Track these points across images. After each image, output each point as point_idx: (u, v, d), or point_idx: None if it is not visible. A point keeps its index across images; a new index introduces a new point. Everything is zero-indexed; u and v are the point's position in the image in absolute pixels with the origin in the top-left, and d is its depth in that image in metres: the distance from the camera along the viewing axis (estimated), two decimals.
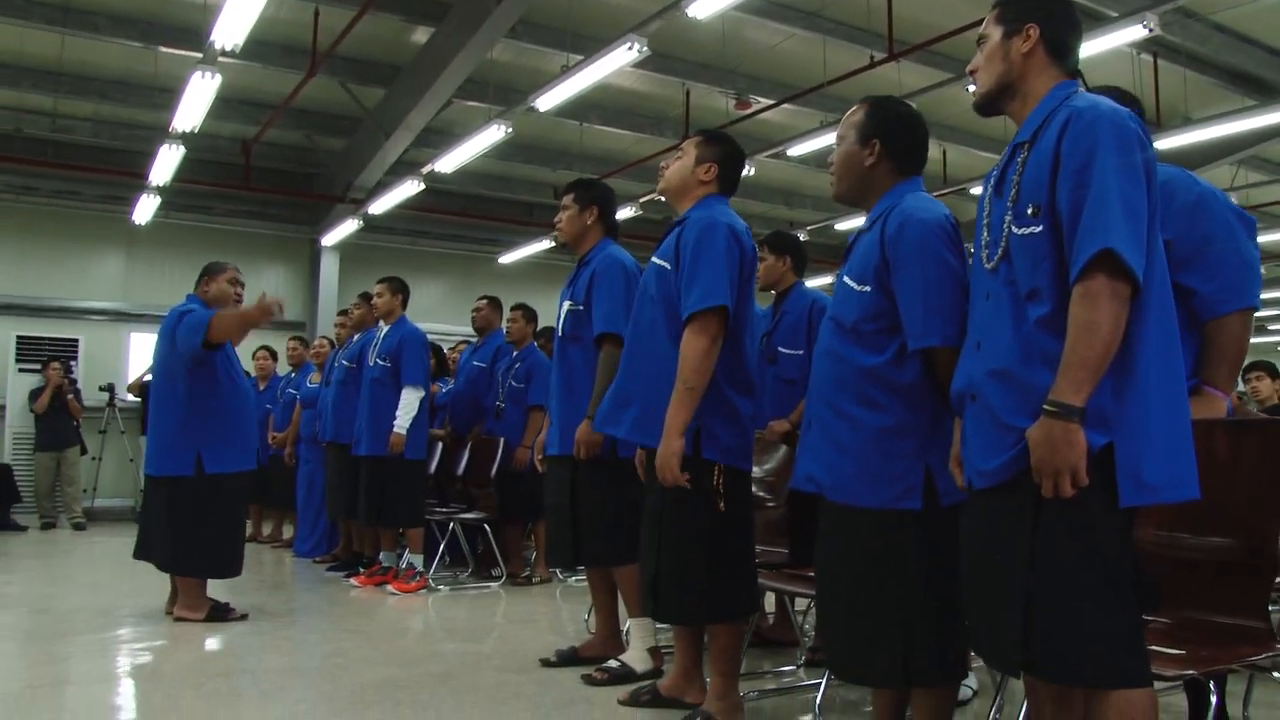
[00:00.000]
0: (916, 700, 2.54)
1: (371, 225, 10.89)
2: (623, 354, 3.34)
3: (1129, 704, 1.89)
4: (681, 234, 3.18)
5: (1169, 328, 1.99)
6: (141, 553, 4.96)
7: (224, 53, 6.16)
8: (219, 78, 6.30)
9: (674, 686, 3.38)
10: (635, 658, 3.80)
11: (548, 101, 7.05)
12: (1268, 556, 2.33)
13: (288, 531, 8.34)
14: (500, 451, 6.38)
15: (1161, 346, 1.96)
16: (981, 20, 2.26)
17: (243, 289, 5.09)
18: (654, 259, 3.27)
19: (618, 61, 6.11)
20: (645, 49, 5.81)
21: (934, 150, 11.06)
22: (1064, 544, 1.92)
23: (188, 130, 7.27)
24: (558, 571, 6.74)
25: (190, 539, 4.76)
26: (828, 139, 8.28)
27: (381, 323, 6.33)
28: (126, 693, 3.61)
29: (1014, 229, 2.04)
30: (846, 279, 2.58)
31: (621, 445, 3.70)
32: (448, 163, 8.64)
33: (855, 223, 13.12)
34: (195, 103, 6.75)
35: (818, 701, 3.19)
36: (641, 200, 10.58)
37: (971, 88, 2.33)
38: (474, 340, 7.33)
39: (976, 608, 2.13)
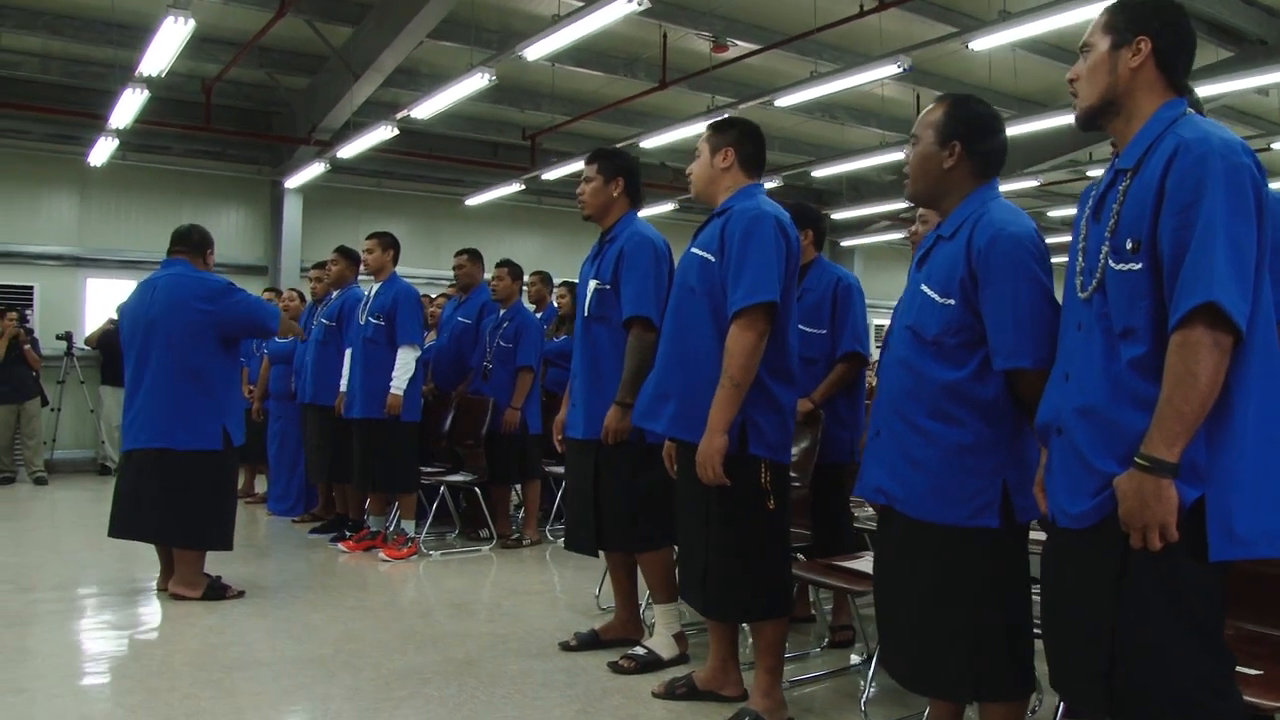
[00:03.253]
0: (985, 714, 2.52)
1: (335, 166, 10.55)
2: (661, 346, 3.24)
3: None
4: (726, 225, 3.06)
5: (1271, 372, 1.89)
6: (121, 530, 4.69)
7: None
8: (192, 22, 5.95)
9: (711, 679, 3.36)
10: (661, 644, 3.77)
11: (537, 51, 6.78)
12: None
13: (258, 485, 8.18)
14: (490, 413, 6.27)
15: (1262, 393, 1.87)
16: None
17: None
18: (694, 249, 3.16)
19: (617, 12, 5.85)
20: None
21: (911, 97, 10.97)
22: (1150, 592, 1.88)
23: (154, 74, 6.89)
24: (547, 532, 6.70)
25: (205, 513, 4.64)
26: (818, 90, 8.13)
27: (373, 279, 6.10)
28: (137, 689, 3.45)
29: (1111, 263, 1.96)
30: (926, 289, 2.48)
31: (649, 431, 3.63)
32: (426, 109, 8.32)
33: (833, 170, 12.94)
34: (165, 47, 6.38)
35: (864, 701, 3.18)
36: (618, 145, 10.33)
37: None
38: (444, 287, 7.12)
39: (1058, 646, 2.11)
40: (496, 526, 6.46)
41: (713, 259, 3.07)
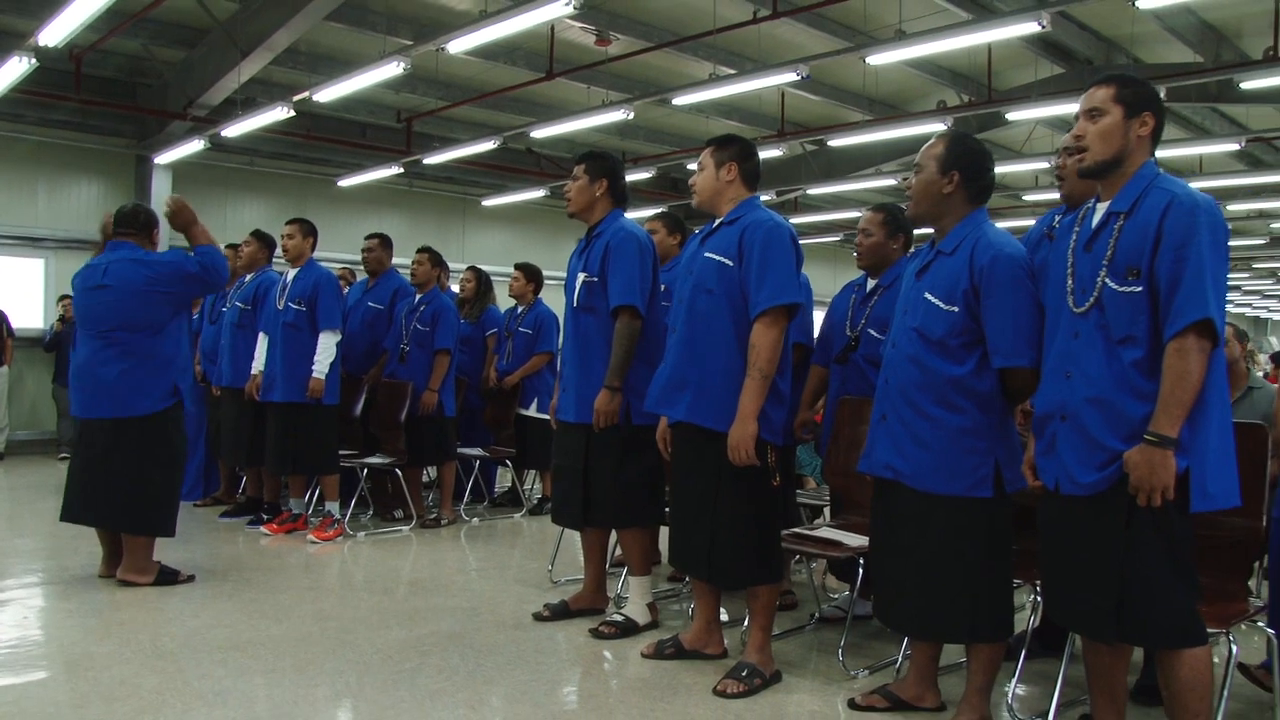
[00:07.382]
0: (975, 653, 3.00)
1: (214, 144, 10.25)
2: (675, 340, 3.55)
3: (1196, 659, 2.48)
4: (744, 234, 3.41)
5: (1223, 372, 2.50)
6: (74, 515, 4.71)
7: None
8: None
9: (696, 639, 3.73)
10: (636, 612, 4.11)
11: (459, 45, 6.88)
12: (1253, 535, 2.94)
13: None
14: (409, 396, 6.42)
15: (1219, 387, 2.47)
16: None
17: None
18: (708, 254, 3.48)
19: (551, 13, 6.05)
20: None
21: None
22: (1150, 542, 2.44)
23: (52, 45, 6.61)
24: (461, 511, 6.91)
25: (155, 485, 4.65)
26: (718, 92, 8.50)
27: (289, 265, 6.16)
28: (146, 672, 3.51)
29: (1110, 284, 2.49)
30: (930, 297, 2.93)
31: (636, 413, 3.96)
32: (330, 93, 8.26)
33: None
34: (74, 17, 6.15)
35: (841, 652, 3.63)
36: (507, 134, 10.49)
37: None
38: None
39: (1063, 588, 2.63)
40: (414, 508, 6.62)
41: (730, 263, 3.41)
